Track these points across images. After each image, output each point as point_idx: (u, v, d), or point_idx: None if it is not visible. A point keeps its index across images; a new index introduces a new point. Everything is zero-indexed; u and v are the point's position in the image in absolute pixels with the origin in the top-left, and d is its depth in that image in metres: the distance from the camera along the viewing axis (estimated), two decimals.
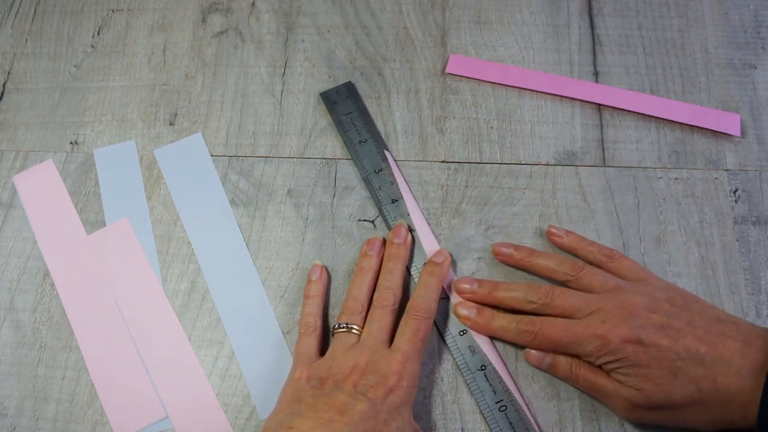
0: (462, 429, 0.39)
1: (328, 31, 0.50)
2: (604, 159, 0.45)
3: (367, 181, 0.45)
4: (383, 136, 0.47)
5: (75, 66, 0.51)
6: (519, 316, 0.39)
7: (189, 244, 0.44)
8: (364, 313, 0.40)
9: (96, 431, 0.40)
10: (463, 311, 0.40)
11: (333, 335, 0.39)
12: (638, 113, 0.46)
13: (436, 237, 0.43)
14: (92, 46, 0.51)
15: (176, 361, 0.41)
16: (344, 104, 0.47)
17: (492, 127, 0.47)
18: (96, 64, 0.51)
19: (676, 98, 0.46)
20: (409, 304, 0.39)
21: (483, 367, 0.39)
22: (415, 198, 0.44)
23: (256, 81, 0.49)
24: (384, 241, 0.43)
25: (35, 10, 0.53)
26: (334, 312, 0.42)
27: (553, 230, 0.42)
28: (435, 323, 0.41)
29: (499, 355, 0.40)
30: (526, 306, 0.39)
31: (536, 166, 0.45)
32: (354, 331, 0.39)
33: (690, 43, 0.48)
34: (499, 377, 0.39)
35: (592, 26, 0.49)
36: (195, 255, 0.44)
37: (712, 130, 0.45)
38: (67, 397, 0.41)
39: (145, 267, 0.44)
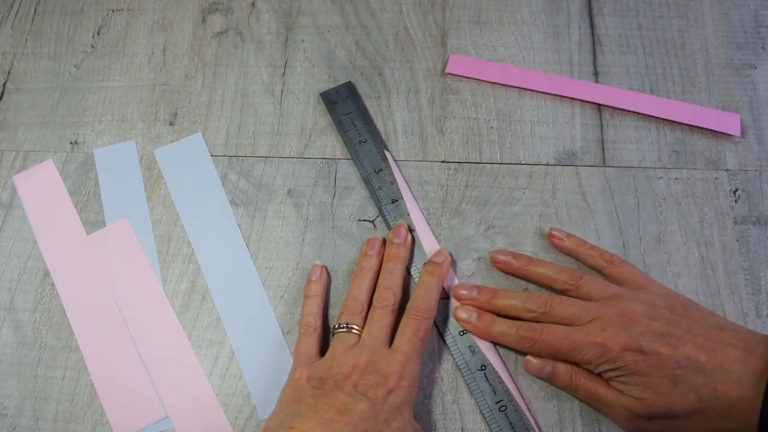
0: (462, 429, 0.39)
1: (328, 31, 0.50)
2: (604, 159, 0.45)
3: (367, 181, 0.45)
4: (383, 136, 0.47)
5: (75, 66, 0.51)
6: (519, 322, 0.38)
7: (189, 244, 0.44)
8: (364, 313, 0.40)
9: (96, 431, 0.40)
10: (463, 315, 0.40)
11: (333, 335, 0.39)
12: (638, 113, 0.46)
13: (436, 237, 0.43)
14: (92, 46, 0.51)
15: (176, 361, 0.41)
16: (344, 104, 0.47)
17: (492, 127, 0.47)
18: (96, 64, 0.51)
19: (676, 98, 0.46)
20: (409, 304, 0.39)
21: (483, 367, 0.39)
22: (415, 198, 0.44)
23: (256, 81, 0.49)
24: (384, 241, 0.43)
25: (35, 10, 0.53)
26: (334, 312, 0.42)
27: (555, 233, 0.42)
28: (435, 323, 0.41)
29: (499, 355, 0.40)
30: (526, 314, 0.38)
31: (536, 166, 0.45)
32: (354, 331, 0.39)
33: (690, 43, 0.48)
34: (499, 377, 0.39)
35: (592, 26, 0.49)
36: (195, 255, 0.44)
37: (712, 130, 0.45)
38: (67, 397, 0.41)
39: (145, 267, 0.44)
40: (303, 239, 0.44)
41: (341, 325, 0.39)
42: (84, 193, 0.46)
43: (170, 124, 0.48)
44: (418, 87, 0.48)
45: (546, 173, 0.45)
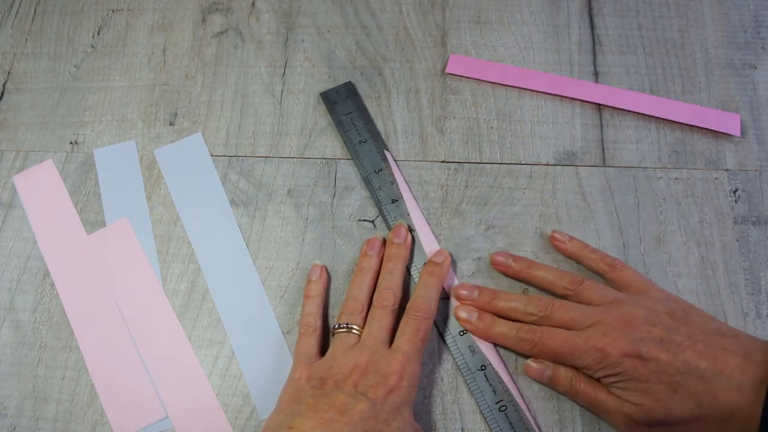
0: (462, 429, 0.39)
1: (328, 31, 0.50)
2: (604, 159, 0.45)
3: (367, 181, 0.45)
4: (383, 136, 0.47)
5: (75, 66, 0.51)
6: (519, 324, 0.38)
7: (189, 244, 0.44)
8: (364, 313, 0.40)
9: (96, 431, 0.40)
10: (464, 314, 0.40)
11: (333, 335, 0.39)
12: (638, 113, 0.46)
13: (436, 237, 0.43)
14: (92, 46, 0.51)
15: (176, 361, 0.41)
16: (344, 104, 0.47)
17: (492, 127, 0.47)
18: (96, 64, 0.51)
19: (676, 98, 0.46)
20: (409, 305, 0.39)
21: (483, 367, 0.39)
22: (415, 198, 0.44)
23: (256, 81, 0.49)
24: (384, 241, 0.43)
25: (35, 10, 0.53)
26: (334, 312, 0.42)
27: (557, 235, 0.42)
28: (435, 323, 0.41)
29: (499, 355, 0.40)
30: (526, 317, 0.38)
31: (536, 166, 0.45)
32: (354, 331, 0.39)
33: (690, 43, 0.48)
34: (499, 377, 0.39)
35: (592, 26, 0.49)
36: (195, 255, 0.44)
37: (712, 130, 0.45)
38: (67, 397, 0.41)
39: (145, 267, 0.44)
40: (303, 239, 0.44)
41: (341, 325, 0.39)
42: (84, 193, 0.46)
43: (170, 124, 0.48)
44: (418, 87, 0.48)
45: (546, 173, 0.45)
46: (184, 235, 0.45)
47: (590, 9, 0.50)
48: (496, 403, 0.38)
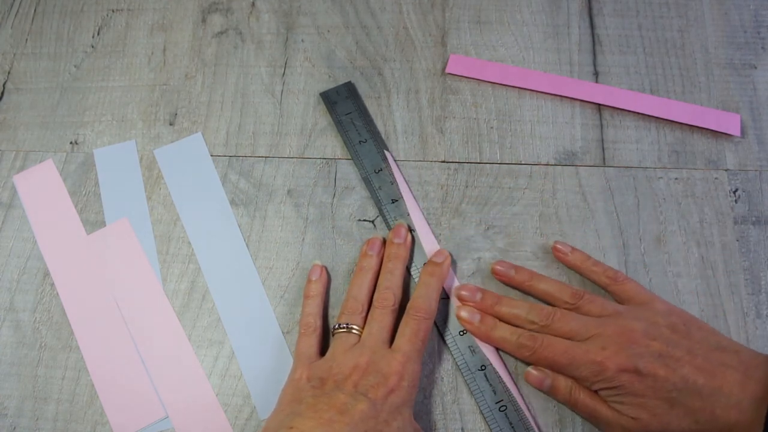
0: (462, 429, 0.39)
1: (328, 31, 0.50)
2: (604, 159, 0.45)
3: (367, 181, 0.45)
4: (383, 136, 0.47)
5: (75, 66, 0.51)
6: (521, 330, 0.38)
7: (189, 244, 0.44)
8: (364, 313, 0.40)
9: (96, 431, 0.40)
10: (466, 315, 0.40)
11: (333, 335, 0.39)
12: (638, 113, 0.46)
13: (436, 237, 0.43)
14: (92, 46, 0.51)
15: (176, 361, 0.41)
16: (344, 104, 0.47)
17: (492, 127, 0.47)
18: (96, 64, 0.51)
19: (676, 98, 0.46)
20: (409, 305, 0.39)
21: (483, 367, 0.39)
22: (415, 198, 0.44)
23: (256, 81, 0.49)
24: (384, 241, 0.43)
25: (35, 10, 0.53)
26: (334, 312, 0.42)
27: (559, 246, 0.42)
28: (435, 323, 0.41)
29: (499, 355, 0.40)
30: (527, 325, 0.38)
31: (536, 166, 0.45)
32: (354, 331, 0.39)
33: (690, 43, 0.48)
34: (499, 377, 0.39)
35: (592, 26, 0.49)
36: (195, 255, 0.44)
37: (712, 130, 0.45)
38: (67, 397, 0.41)
39: (145, 267, 0.44)
40: (303, 239, 0.44)
41: (341, 325, 0.39)
42: (84, 193, 0.46)
43: (170, 124, 0.48)
44: (418, 87, 0.48)
45: (546, 173, 0.45)
46: (184, 235, 0.45)
47: (590, 9, 0.50)
48: (496, 403, 0.38)
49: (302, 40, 0.50)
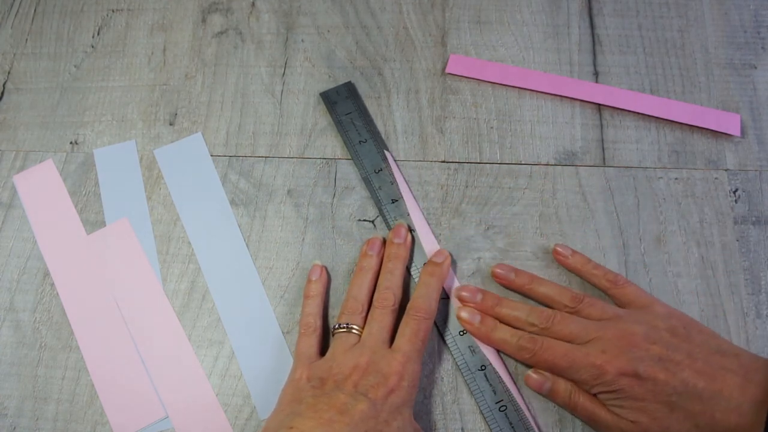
0: (462, 429, 0.39)
1: (328, 31, 0.50)
2: (604, 159, 0.45)
3: (367, 181, 0.45)
4: (383, 136, 0.47)
5: (75, 66, 0.51)
6: (521, 332, 0.38)
7: (189, 244, 0.44)
8: (364, 313, 0.40)
9: (96, 431, 0.40)
10: (466, 316, 0.40)
11: (333, 335, 0.39)
12: (638, 113, 0.46)
13: (436, 237, 0.43)
14: (92, 46, 0.51)
15: (176, 361, 0.41)
16: (344, 104, 0.47)
17: (492, 127, 0.47)
18: (96, 64, 0.51)
19: (676, 98, 0.46)
20: (409, 305, 0.39)
21: (483, 367, 0.39)
22: (415, 198, 0.44)
23: (256, 81, 0.49)
24: (384, 241, 0.43)
25: (35, 10, 0.53)
26: (334, 312, 0.42)
27: (559, 249, 0.42)
28: (435, 323, 0.41)
29: (499, 355, 0.40)
30: (527, 327, 0.38)
31: (536, 166, 0.45)
32: (354, 331, 0.39)
33: (690, 43, 0.48)
34: (499, 377, 0.39)
35: (592, 26, 0.49)
36: (195, 255, 0.44)
37: (712, 130, 0.45)
38: (67, 397, 0.41)
39: (145, 267, 0.44)
40: (303, 239, 0.44)
41: (341, 325, 0.39)
42: (84, 193, 0.46)
43: (170, 124, 0.48)
44: (418, 87, 0.48)
45: (546, 173, 0.45)
46: (184, 235, 0.45)
47: (590, 9, 0.50)
48: (496, 403, 0.38)
49: (302, 40, 0.50)
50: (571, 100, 0.47)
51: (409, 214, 0.43)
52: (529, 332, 0.38)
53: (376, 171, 0.45)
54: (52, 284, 0.44)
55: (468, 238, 0.43)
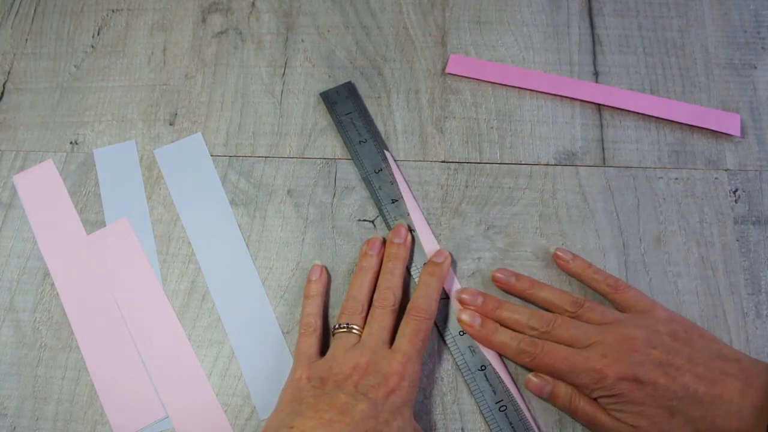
0: (462, 429, 0.39)
1: (328, 31, 0.50)
2: (604, 159, 0.45)
3: (367, 181, 0.45)
4: (383, 136, 0.47)
5: (75, 66, 0.51)
6: (521, 336, 0.38)
7: (189, 244, 0.44)
8: (364, 313, 0.40)
9: (96, 431, 0.40)
10: (467, 318, 0.40)
11: (333, 335, 0.39)
12: (638, 113, 0.46)
13: (436, 237, 0.43)
14: (92, 46, 0.51)
15: (176, 361, 0.41)
16: (344, 104, 0.47)
17: (492, 127, 0.47)
18: (96, 64, 0.51)
19: (676, 98, 0.46)
20: (409, 305, 0.39)
21: (483, 367, 0.39)
22: (415, 198, 0.44)
23: (256, 81, 0.49)
24: (384, 241, 0.43)
25: (35, 10, 0.53)
26: (334, 312, 0.42)
27: (560, 253, 0.42)
28: (435, 323, 0.41)
29: (499, 355, 0.40)
30: (528, 331, 0.38)
31: (536, 166, 0.45)
32: (354, 331, 0.39)
33: (690, 43, 0.48)
34: (499, 377, 0.39)
35: (592, 26, 0.49)
36: (195, 255, 0.44)
37: (712, 130, 0.45)
38: (67, 397, 0.41)
39: (145, 267, 0.44)
40: (303, 239, 0.44)
41: (341, 325, 0.39)
42: (84, 193, 0.46)
43: (170, 124, 0.48)
44: (418, 87, 0.48)
45: (546, 173, 0.45)
46: (184, 235, 0.45)
47: (590, 9, 0.50)
48: (496, 403, 0.38)
49: (302, 40, 0.50)
50: (571, 100, 0.47)
51: (409, 214, 0.43)
52: (530, 336, 0.38)
53: (376, 171, 0.45)
54: (52, 284, 0.44)
55: (468, 238, 0.43)
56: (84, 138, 0.48)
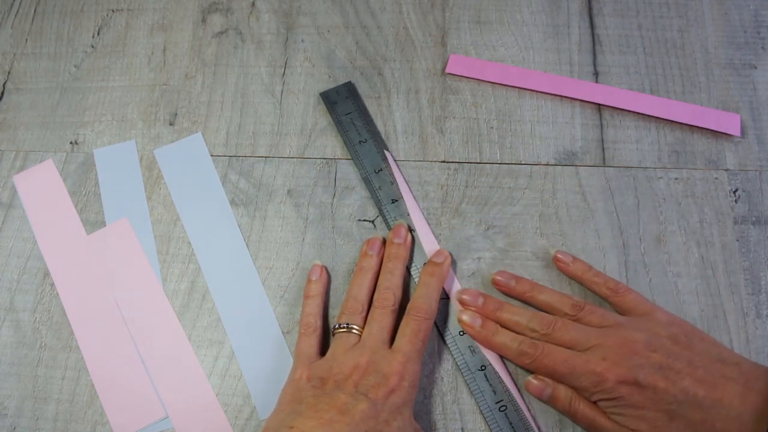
0: (462, 429, 0.39)
1: (328, 31, 0.50)
2: (604, 159, 0.45)
3: (367, 181, 0.45)
4: (383, 136, 0.47)
5: (75, 66, 0.51)
6: (522, 337, 0.38)
7: (189, 244, 0.44)
8: (364, 313, 0.40)
9: (96, 431, 0.40)
10: (467, 319, 0.40)
11: (333, 335, 0.39)
12: (638, 113, 0.46)
13: (436, 237, 0.43)
14: (92, 46, 0.51)
15: (176, 361, 0.41)
16: (344, 104, 0.47)
17: (492, 127, 0.47)
18: (96, 64, 0.51)
19: (676, 98, 0.46)
20: (409, 305, 0.39)
21: (483, 367, 0.39)
22: (415, 198, 0.44)
23: (256, 81, 0.49)
24: (384, 241, 0.43)
25: (35, 10, 0.53)
26: (334, 312, 0.42)
27: (560, 256, 0.42)
28: (435, 323, 0.41)
29: (499, 355, 0.40)
30: (528, 332, 0.38)
31: (536, 166, 0.45)
32: (354, 331, 0.39)
33: (690, 43, 0.48)
34: (499, 377, 0.39)
35: (592, 26, 0.49)
36: (195, 255, 0.44)
37: (712, 130, 0.45)
38: (67, 397, 0.41)
39: (145, 267, 0.44)
40: (303, 239, 0.44)
41: (341, 325, 0.39)
42: (84, 193, 0.46)
43: (170, 124, 0.48)
44: (418, 87, 0.48)
45: (546, 173, 0.45)
46: (184, 235, 0.45)
47: (590, 9, 0.50)
48: (496, 403, 0.38)
49: (302, 40, 0.50)
50: (571, 100, 0.47)
51: (409, 214, 0.43)
52: (530, 338, 0.38)
53: (376, 171, 0.45)
54: (52, 284, 0.44)
55: (468, 238, 0.43)
56: (84, 138, 0.48)
